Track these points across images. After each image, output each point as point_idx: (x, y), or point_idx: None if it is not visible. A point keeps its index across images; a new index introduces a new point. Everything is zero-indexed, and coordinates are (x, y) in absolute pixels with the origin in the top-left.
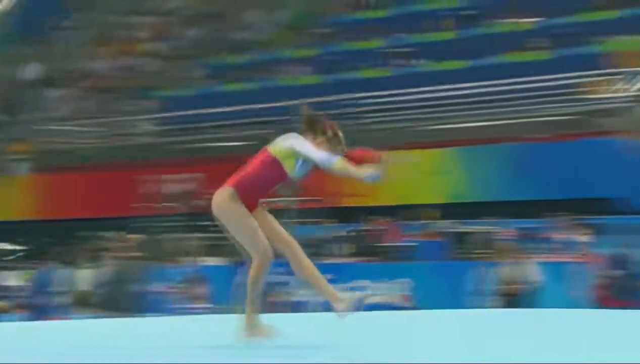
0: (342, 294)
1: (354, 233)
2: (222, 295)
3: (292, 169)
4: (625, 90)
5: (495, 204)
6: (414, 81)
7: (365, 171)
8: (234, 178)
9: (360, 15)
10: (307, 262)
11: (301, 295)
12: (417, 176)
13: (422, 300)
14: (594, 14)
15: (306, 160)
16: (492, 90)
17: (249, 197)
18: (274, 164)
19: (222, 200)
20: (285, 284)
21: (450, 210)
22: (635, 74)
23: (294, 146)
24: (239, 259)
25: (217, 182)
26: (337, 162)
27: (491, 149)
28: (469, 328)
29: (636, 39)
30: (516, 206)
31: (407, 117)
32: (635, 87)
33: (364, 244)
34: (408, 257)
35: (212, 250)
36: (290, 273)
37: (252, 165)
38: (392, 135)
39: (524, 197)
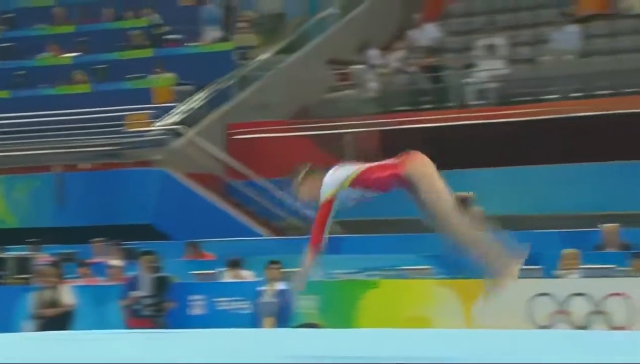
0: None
1: None
2: None
3: None
4: (160, 124)
5: (36, 230)
6: None
7: None
8: None
9: None
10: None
11: None
12: None
13: None
14: (131, 52)
15: None
16: (35, 120)
17: None
18: None
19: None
20: None
21: None
22: (168, 109)
23: None
24: None
25: None
26: None
27: (33, 178)
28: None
29: (168, 77)
30: (57, 232)
31: None
32: (169, 121)
33: None
34: None
35: None
36: None
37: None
38: None
39: (64, 223)
